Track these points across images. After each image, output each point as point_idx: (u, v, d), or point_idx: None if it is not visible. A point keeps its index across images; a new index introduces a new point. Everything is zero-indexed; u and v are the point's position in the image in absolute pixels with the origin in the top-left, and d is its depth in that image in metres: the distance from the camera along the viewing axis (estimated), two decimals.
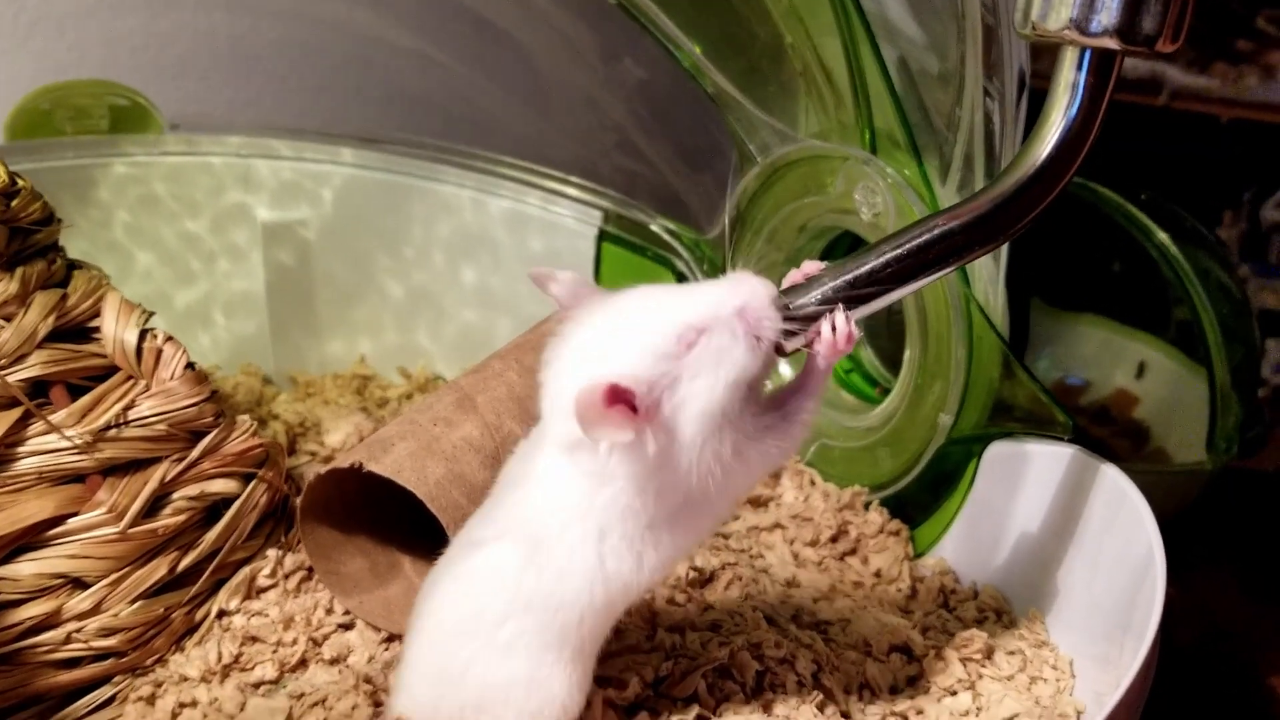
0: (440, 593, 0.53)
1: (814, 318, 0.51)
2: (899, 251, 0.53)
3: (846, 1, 0.70)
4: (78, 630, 0.61)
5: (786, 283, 0.53)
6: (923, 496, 0.75)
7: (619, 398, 0.45)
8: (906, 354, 0.75)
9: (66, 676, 0.61)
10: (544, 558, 0.49)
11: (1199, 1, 0.53)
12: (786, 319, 0.49)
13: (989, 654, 0.62)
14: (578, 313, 0.49)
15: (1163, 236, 0.88)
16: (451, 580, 0.53)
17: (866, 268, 0.53)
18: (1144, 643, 0.50)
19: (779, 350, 0.50)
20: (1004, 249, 0.70)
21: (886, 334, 0.84)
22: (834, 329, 0.50)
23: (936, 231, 0.53)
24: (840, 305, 0.51)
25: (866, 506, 0.78)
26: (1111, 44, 0.50)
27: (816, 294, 0.52)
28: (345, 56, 1.00)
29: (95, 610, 0.62)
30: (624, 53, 0.89)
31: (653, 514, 0.48)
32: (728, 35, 0.79)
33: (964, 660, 0.61)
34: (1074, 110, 0.52)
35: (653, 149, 0.87)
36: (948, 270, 0.54)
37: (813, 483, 0.81)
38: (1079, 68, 0.51)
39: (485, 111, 1.00)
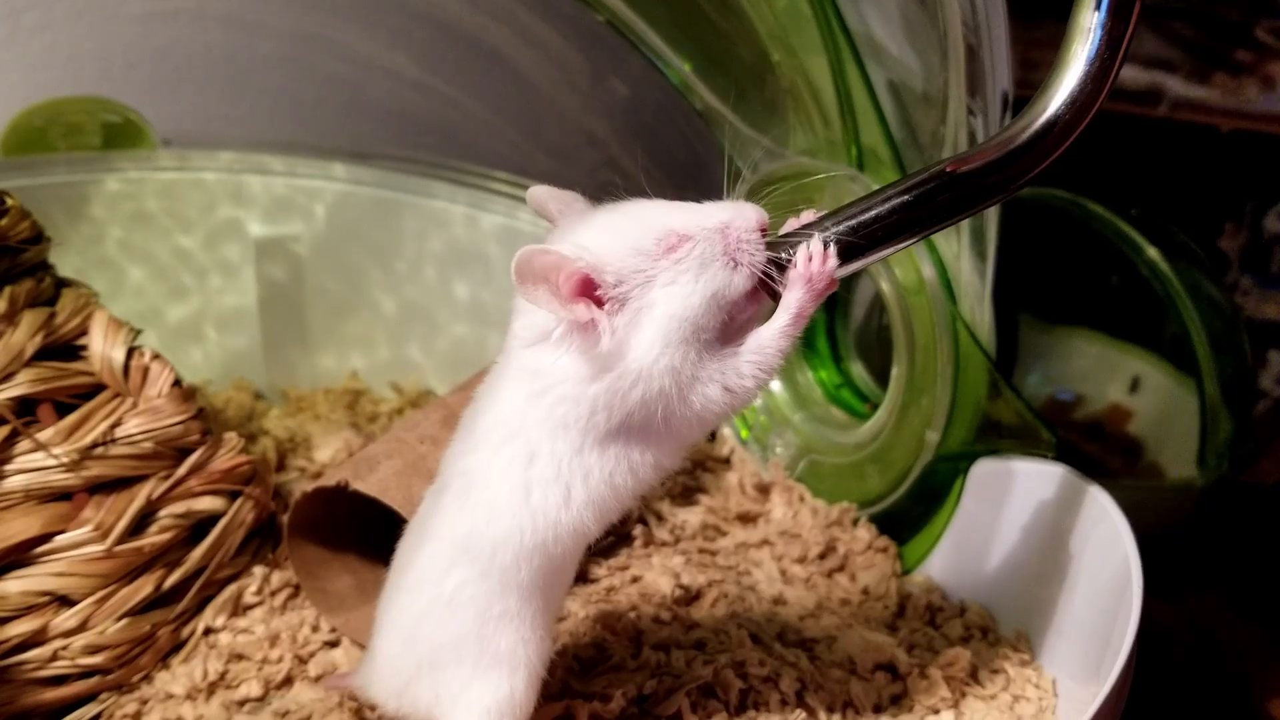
0: (403, 550, 0.53)
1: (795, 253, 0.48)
2: (906, 198, 0.50)
3: (832, 20, 0.70)
4: (64, 648, 0.62)
5: (785, 229, 0.50)
6: (911, 513, 0.75)
7: (585, 286, 0.44)
8: (894, 370, 0.75)
9: (52, 694, 0.62)
10: (476, 494, 0.49)
11: (1198, 13, 0.51)
12: (770, 247, 0.47)
13: (973, 673, 0.62)
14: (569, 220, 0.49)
15: (1153, 253, 0.88)
16: (411, 536, 0.53)
17: (871, 214, 0.50)
18: (1118, 662, 0.50)
19: (771, 293, 0.48)
20: (990, 266, 0.70)
21: (877, 349, 0.84)
22: (809, 255, 0.47)
23: (946, 178, 0.50)
24: (818, 233, 0.48)
25: (855, 523, 0.77)
26: None
27: (816, 236, 0.49)
28: (338, 73, 1.01)
29: (81, 628, 0.62)
30: (611, 72, 0.90)
31: (584, 433, 0.47)
32: (716, 53, 0.79)
33: (948, 679, 0.61)
34: (1090, 55, 0.49)
35: (639, 167, 0.87)
36: (954, 221, 0.52)
37: (802, 499, 0.81)
38: (1097, 9, 0.49)
39: (474, 130, 1.00)
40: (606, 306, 0.45)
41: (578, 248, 0.45)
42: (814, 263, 0.48)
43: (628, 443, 0.48)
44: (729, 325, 0.48)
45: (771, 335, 0.48)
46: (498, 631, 0.50)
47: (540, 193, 0.50)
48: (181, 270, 0.92)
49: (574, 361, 0.46)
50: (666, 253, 0.46)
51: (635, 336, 0.46)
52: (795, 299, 0.48)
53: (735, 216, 0.47)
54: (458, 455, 0.50)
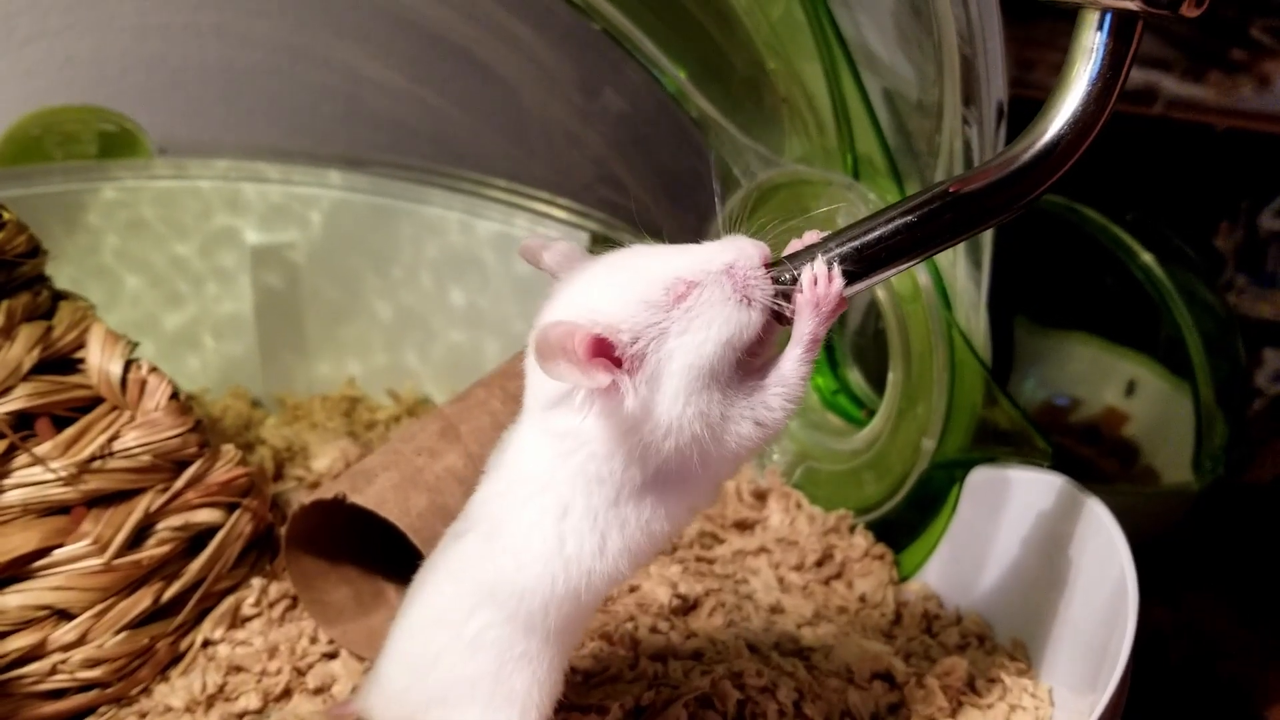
0: (420, 585, 0.53)
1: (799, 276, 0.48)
2: (909, 219, 0.50)
3: (827, 29, 0.70)
4: (63, 661, 0.62)
5: (788, 251, 0.50)
6: (907, 520, 0.75)
7: (601, 348, 0.44)
8: (890, 377, 0.76)
9: (51, 708, 0.62)
10: (504, 541, 0.48)
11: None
12: (778, 282, 0.47)
13: (970, 682, 0.62)
14: (570, 274, 0.48)
15: (1147, 258, 0.88)
16: (430, 572, 0.53)
17: (874, 234, 0.50)
18: (1115, 672, 0.50)
19: (780, 319, 0.48)
20: (985, 274, 0.70)
21: (874, 355, 0.84)
22: (815, 279, 0.47)
23: (949, 198, 0.50)
24: (821, 255, 0.48)
25: (852, 530, 0.78)
26: (1132, 5, 0.47)
27: (820, 258, 0.49)
28: (333, 81, 1.01)
29: (80, 641, 0.62)
30: (606, 80, 0.90)
31: (620, 486, 0.47)
32: (711, 61, 0.79)
33: (945, 688, 0.61)
34: (1093, 74, 0.49)
35: (634, 180, 0.88)
36: (957, 241, 0.52)
37: (799, 506, 0.81)
38: (1099, 29, 0.49)
39: (468, 138, 1.01)
40: (625, 365, 0.45)
41: (589, 311, 0.45)
42: (820, 286, 0.47)
43: (664, 490, 0.47)
44: (746, 357, 0.48)
45: (792, 365, 0.48)
46: (515, 672, 0.50)
47: (533, 245, 0.50)
48: (178, 278, 0.93)
49: (601, 422, 0.46)
50: (676, 302, 0.45)
51: (658, 391, 0.45)
52: (807, 326, 0.48)
53: (739, 256, 0.47)
54: (485, 499, 0.50)
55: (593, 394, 0.45)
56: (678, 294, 0.46)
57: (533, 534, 0.47)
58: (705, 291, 0.46)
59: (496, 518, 0.49)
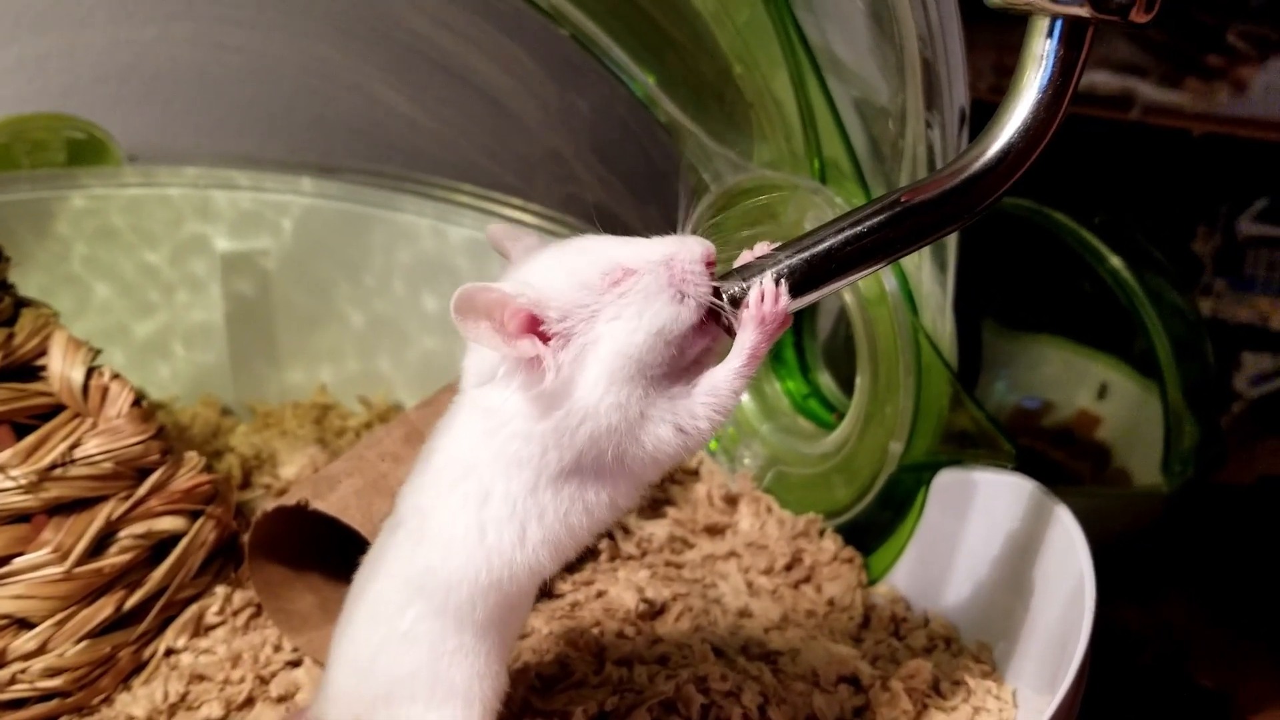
0: (359, 584, 0.53)
1: (747, 289, 0.47)
2: (859, 229, 0.50)
3: (792, 35, 0.70)
4: (22, 671, 0.61)
5: (738, 263, 0.50)
6: (876, 524, 0.75)
7: (530, 323, 0.44)
8: (858, 381, 0.76)
9: (11, 718, 0.61)
10: (430, 532, 0.48)
11: (1170, 17, 0.51)
12: (725, 295, 0.47)
13: (935, 685, 0.62)
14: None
15: (1115, 261, 0.88)
16: (367, 568, 0.52)
17: (824, 246, 0.49)
18: (1071, 668, 0.50)
19: (728, 329, 0.48)
20: (950, 277, 0.70)
21: (845, 359, 0.84)
22: (762, 296, 0.47)
23: (900, 208, 0.50)
24: (770, 272, 0.48)
25: (821, 534, 0.78)
26: (1082, 12, 0.47)
27: (769, 273, 0.48)
28: (304, 87, 1.01)
29: (40, 650, 0.62)
30: (576, 86, 0.90)
31: (538, 472, 0.46)
32: (679, 67, 0.80)
33: (909, 691, 0.61)
34: (1043, 82, 0.49)
35: (604, 185, 0.88)
36: (910, 250, 0.51)
37: (769, 510, 0.81)
38: (1049, 36, 0.48)
39: (440, 144, 1.00)
40: (551, 343, 0.45)
41: (520, 284, 0.45)
42: (766, 304, 0.47)
43: (582, 483, 0.47)
44: (680, 361, 0.48)
45: (726, 376, 0.48)
46: (452, 667, 0.49)
47: (498, 231, 0.50)
48: (148, 286, 0.92)
49: (522, 399, 0.46)
50: (611, 287, 0.46)
51: (581, 373, 0.46)
52: (749, 340, 0.48)
53: (680, 249, 0.47)
54: (413, 491, 0.50)
55: (516, 368, 0.46)
56: (614, 279, 0.46)
57: (456, 523, 0.48)
58: (642, 280, 0.46)
59: (424, 509, 0.49)
